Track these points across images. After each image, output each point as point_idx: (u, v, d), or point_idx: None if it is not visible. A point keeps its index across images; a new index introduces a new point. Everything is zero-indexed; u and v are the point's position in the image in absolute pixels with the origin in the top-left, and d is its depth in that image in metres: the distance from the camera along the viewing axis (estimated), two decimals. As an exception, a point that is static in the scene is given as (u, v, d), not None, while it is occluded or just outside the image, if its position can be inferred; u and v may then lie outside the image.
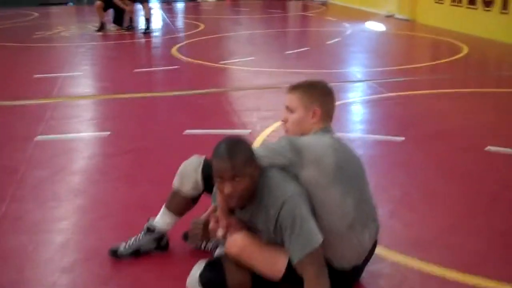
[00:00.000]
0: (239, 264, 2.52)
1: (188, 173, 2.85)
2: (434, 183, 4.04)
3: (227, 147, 2.33)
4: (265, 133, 5.10)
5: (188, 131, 5.16)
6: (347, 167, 2.51)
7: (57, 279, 2.88)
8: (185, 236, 3.11)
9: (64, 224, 3.47)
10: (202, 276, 2.53)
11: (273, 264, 2.47)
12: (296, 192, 2.37)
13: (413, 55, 9.78)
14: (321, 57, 9.20)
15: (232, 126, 5.39)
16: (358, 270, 2.63)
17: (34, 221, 3.49)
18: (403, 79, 7.38)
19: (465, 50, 9.29)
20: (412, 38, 11.47)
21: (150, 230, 3.02)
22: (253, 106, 6.23)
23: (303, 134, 2.61)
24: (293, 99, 2.64)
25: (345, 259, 2.51)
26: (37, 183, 4.07)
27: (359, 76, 7.72)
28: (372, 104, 6.29)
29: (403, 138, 4.92)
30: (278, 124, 5.29)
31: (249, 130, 5.18)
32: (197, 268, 2.63)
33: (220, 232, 2.53)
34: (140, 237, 3.02)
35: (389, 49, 10.33)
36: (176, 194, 2.92)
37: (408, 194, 3.84)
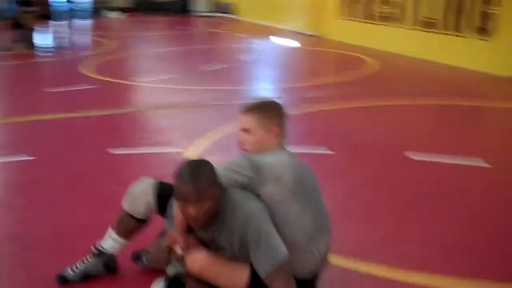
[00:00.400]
0: (200, 281, 2.52)
1: (139, 195, 2.82)
2: (364, 192, 4.22)
3: (190, 170, 2.33)
4: (195, 151, 5.09)
5: (115, 151, 5.06)
6: (304, 181, 2.59)
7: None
8: (135, 257, 3.06)
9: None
10: None
11: (235, 278, 2.49)
12: (258, 209, 2.41)
13: (325, 70, 10.12)
14: (237, 74, 9.33)
15: (159, 144, 5.35)
16: (317, 276, 2.71)
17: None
18: (319, 94, 7.63)
19: (377, 65, 9.73)
20: (322, 53, 11.89)
21: (98, 254, 2.94)
22: (177, 124, 6.22)
23: (262, 152, 2.64)
24: (250, 121, 2.65)
25: (307, 269, 2.58)
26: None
27: (276, 92, 7.88)
28: (295, 119, 6.45)
29: (330, 151, 5.09)
30: (205, 141, 5.35)
31: (179, 149, 5.16)
32: (157, 286, 2.60)
33: (178, 251, 2.53)
34: (87, 261, 2.94)
35: (303, 64, 10.66)
36: (126, 217, 2.87)
37: (343, 203, 3.99)
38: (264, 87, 8.27)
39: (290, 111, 6.35)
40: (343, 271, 3.08)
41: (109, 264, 2.98)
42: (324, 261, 2.67)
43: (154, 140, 5.52)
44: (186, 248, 2.52)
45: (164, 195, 2.79)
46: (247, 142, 2.66)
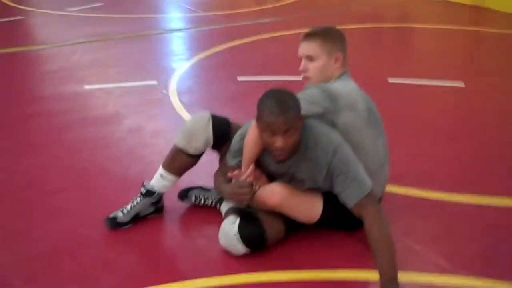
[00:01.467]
0: (273, 214, 2.51)
1: (197, 130, 2.67)
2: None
3: (278, 100, 2.24)
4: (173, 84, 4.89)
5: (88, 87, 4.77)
6: (373, 109, 2.60)
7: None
8: (183, 195, 2.94)
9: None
10: (241, 231, 2.47)
11: (310, 209, 2.53)
12: (342, 140, 2.38)
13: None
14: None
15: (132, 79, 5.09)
16: (380, 200, 2.74)
17: None
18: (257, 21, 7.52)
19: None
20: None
21: (148, 193, 2.78)
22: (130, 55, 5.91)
23: (326, 80, 2.59)
24: (313, 47, 2.57)
25: (377, 195, 2.61)
26: None
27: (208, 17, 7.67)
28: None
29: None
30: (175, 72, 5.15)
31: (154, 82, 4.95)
32: (230, 224, 2.53)
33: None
34: (137, 202, 2.78)
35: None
36: (179, 153, 2.72)
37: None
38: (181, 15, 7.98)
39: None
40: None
41: (157, 204, 2.83)
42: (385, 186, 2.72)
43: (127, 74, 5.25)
44: (256, 182, 2.48)
45: (220, 130, 2.68)
46: (311, 69, 2.59)
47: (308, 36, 2.61)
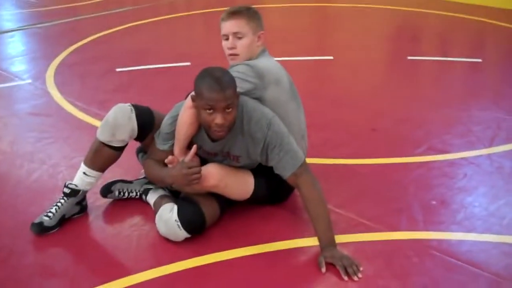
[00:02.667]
0: (207, 196, 2.58)
1: (122, 122, 2.61)
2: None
3: (216, 78, 2.30)
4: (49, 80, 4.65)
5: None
6: (293, 84, 2.75)
7: None
8: (106, 191, 2.87)
9: None
10: (181, 217, 2.50)
11: (244, 186, 2.63)
12: (273, 113, 2.49)
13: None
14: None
15: None
16: None
17: None
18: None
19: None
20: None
21: (72, 193, 2.69)
22: None
23: (250, 58, 2.67)
24: (241, 25, 2.63)
25: None
26: None
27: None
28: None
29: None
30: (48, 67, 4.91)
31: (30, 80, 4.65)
32: (168, 212, 2.55)
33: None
34: (62, 204, 2.68)
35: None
36: (103, 147, 2.65)
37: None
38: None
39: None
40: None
41: (82, 202, 2.76)
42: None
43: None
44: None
45: (144, 120, 2.66)
46: (239, 47, 2.65)
47: (234, 14, 2.66)
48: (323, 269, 2.34)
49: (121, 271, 2.40)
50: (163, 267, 2.41)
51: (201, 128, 2.49)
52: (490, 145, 3.59)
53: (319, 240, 2.44)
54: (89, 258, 2.51)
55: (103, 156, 2.67)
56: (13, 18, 7.41)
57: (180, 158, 2.50)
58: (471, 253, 2.51)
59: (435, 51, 6.03)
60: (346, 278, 2.31)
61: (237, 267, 2.41)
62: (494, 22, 7.00)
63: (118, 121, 2.61)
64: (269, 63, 2.66)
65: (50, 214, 2.65)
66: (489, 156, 3.45)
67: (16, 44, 6.16)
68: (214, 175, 2.51)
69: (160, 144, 2.60)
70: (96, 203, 2.89)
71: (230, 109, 2.33)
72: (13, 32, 6.50)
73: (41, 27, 6.66)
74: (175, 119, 2.51)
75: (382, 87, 4.86)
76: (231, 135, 2.47)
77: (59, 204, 2.67)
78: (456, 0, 7.91)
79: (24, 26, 6.75)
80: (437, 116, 4.07)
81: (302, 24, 7.09)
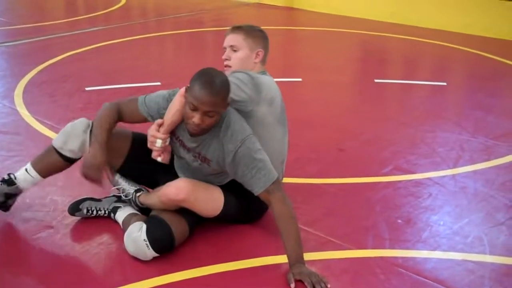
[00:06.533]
0: (175, 214, 2.59)
1: (76, 132, 2.68)
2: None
3: (212, 80, 2.34)
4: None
5: None
6: (284, 108, 2.79)
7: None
8: (74, 208, 2.86)
9: None
10: (150, 236, 2.50)
11: (213, 202, 2.64)
12: (252, 132, 2.51)
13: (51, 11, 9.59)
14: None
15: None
16: None
17: None
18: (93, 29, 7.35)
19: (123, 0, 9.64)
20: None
21: (8, 182, 2.75)
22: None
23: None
24: (237, 39, 2.74)
25: None
26: None
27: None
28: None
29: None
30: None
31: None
32: (137, 232, 2.55)
33: (158, 145, 2.54)
34: None
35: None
36: (53, 152, 2.71)
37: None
38: None
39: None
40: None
41: (8, 199, 2.78)
42: None
43: None
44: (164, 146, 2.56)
45: None
46: (233, 59, 2.75)
47: (234, 29, 2.79)
48: (292, 285, 2.36)
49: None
50: (131, 285, 2.40)
51: None
52: (454, 165, 3.68)
53: (288, 257, 2.47)
54: (57, 276, 2.48)
55: (49, 160, 2.73)
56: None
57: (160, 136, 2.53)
58: (436, 271, 2.57)
59: (401, 74, 6.18)
60: None
61: (205, 285, 2.42)
62: (456, 46, 7.20)
63: (73, 131, 2.68)
64: (270, 82, 2.71)
65: None
66: (453, 176, 3.53)
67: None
68: (183, 189, 2.53)
69: (142, 106, 2.63)
70: (65, 221, 2.87)
71: (211, 114, 2.37)
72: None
73: (10, 46, 6.60)
74: (170, 99, 2.56)
75: (349, 108, 4.95)
76: (207, 136, 2.50)
77: None
78: (419, 25, 8.12)
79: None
80: (402, 137, 4.17)
81: (270, 47, 7.17)
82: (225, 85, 2.40)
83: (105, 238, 2.75)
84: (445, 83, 5.62)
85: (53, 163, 2.73)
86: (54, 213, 2.92)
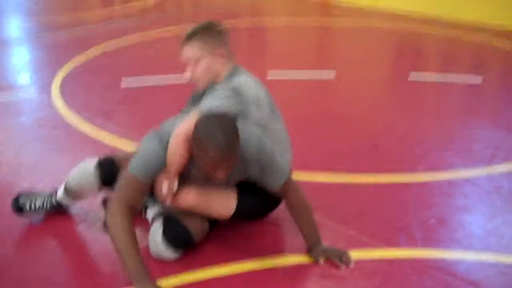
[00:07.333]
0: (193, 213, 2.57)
1: (85, 188, 2.75)
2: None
3: (226, 135, 2.20)
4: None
5: None
6: (273, 102, 2.71)
7: None
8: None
9: None
10: (167, 236, 2.53)
11: (226, 204, 2.58)
12: (259, 132, 2.48)
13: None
14: None
15: None
16: None
17: None
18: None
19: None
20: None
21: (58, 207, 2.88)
22: None
23: (215, 76, 2.60)
24: (194, 50, 2.55)
25: None
26: None
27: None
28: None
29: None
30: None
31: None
32: (156, 231, 2.56)
33: (164, 190, 2.45)
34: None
35: None
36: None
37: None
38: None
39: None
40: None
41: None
42: None
43: None
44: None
45: (108, 176, 2.69)
46: (197, 71, 2.57)
47: (188, 39, 2.56)
48: (322, 261, 2.53)
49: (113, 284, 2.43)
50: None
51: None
52: (489, 164, 3.63)
53: (307, 239, 2.59)
54: (89, 268, 2.57)
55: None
56: (20, 27, 7.48)
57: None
58: (469, 272, 2.55)
59: (436, 70, 6.09)
60: (343, 266, 2.47)
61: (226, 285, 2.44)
62: (494, 42, 7.06)
63: (81, 188, 2.75)
64: (248, 84, 2.57)
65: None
66: (488, 175, 3.49)
67: (23, 54, 6.22)
68: (191, 195, 2.49)
69: (146, 178, 2.39)
70: (100, 214, 2.92)
71: (233, 166, 2.31)
72: (19, 42, 6.57)
73: (47, 37, 6.72)
74: (165, 147, 2.37)
75: (384, 104, 4.90)
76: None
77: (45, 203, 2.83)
78: (456, 21, 7.97)
79: (31, 35, 6.82)
80: (437, 134, 4.12)
81: (305, 41, 7.14)
82: (235, 134, 2.26)
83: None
84: (481, 81, 5.52)
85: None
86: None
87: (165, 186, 2.43)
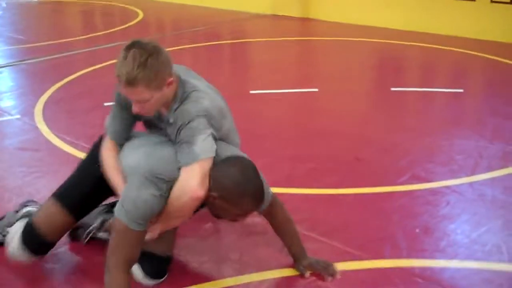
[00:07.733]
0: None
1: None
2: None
3: (255, 186, 2.28)
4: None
5: None
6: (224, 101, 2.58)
7: None
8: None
9: None
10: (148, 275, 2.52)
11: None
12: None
13: (87, 25, 9.73)
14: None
15: None
16: None
17: None
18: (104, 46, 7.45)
19: (141, 15, 9.74)
20: (67, 5, 11.30)
21: None
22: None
23: (166, 103, 2.38)
24: (140, 94, 2.24)
25: None
26: None
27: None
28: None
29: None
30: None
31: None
32: (136, 270, 2.52)
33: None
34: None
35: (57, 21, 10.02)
36: None
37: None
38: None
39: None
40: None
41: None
42: None
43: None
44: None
45: None
46: (147, 107, 2.31)
47: (129, 84, 2.21)
48: (307, 275, 2.55)
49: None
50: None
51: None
52: (472, 173, 3.66)
53: (293, 253, 2.61)
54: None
55: None
56: (1, 55, 7.47)
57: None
58: (454, 280, 2.57)
59: (417, 82, 6.16)
60: (330, 278, 2.49)
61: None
62: (472, 52, 7.16)
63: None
64: (211, 101, 2.39)
65: None
66: (471, 184, 3.52)
67: (5, 80, 6.20)
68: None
69: (140, 226, 2.23)
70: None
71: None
72: (2, 68, 6.55)
73: (30, 63, 6.72)
74: (165, 196, 2.26)
75: (366, 117, 4.95)
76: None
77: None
78: (435, 32, 8.09)
79: (13, 62, 6.81)
80: (420, 145, 4.16)
81: (286, 57, 7.20)
82: (258, 180, 2.31)
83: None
84: (462, 90, 5.59)
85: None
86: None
87: (149, 234, 2.35)
